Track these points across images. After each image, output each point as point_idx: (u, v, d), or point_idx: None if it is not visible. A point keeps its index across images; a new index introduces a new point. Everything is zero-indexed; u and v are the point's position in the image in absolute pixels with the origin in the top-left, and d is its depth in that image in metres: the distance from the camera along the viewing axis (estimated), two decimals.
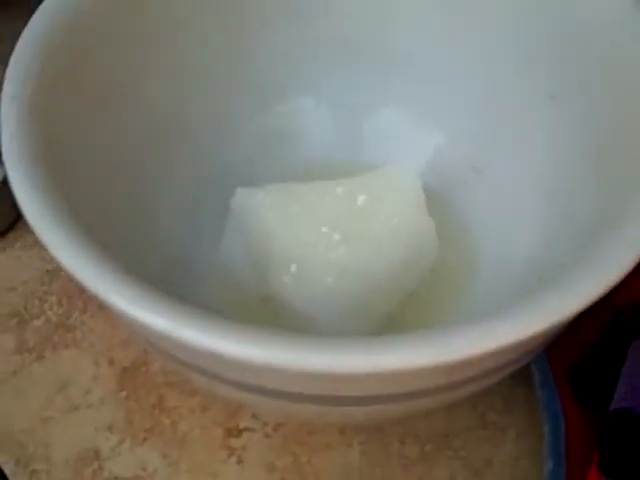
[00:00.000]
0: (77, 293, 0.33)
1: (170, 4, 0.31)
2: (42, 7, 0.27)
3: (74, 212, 0.23)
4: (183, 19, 0.32)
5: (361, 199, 0.30)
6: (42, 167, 0.23)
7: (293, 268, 0.29)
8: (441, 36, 0.33)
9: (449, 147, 0.34)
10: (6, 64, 0.25)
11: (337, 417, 0.25)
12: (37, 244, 0.23)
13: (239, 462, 0.29)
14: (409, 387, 0.21)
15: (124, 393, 0.30)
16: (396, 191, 0.31)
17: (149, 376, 0.31)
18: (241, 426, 0.29)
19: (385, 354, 0.18)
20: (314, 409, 0.22)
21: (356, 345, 0.18)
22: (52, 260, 0.21)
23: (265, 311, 0.30)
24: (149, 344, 0.23)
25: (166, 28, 0.31)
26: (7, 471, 0.29)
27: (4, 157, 0.23)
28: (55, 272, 0.34)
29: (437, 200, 0.32)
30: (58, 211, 0.22)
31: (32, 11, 0.27)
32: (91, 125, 0.28)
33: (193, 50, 0.32)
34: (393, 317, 0.30)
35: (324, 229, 0.30)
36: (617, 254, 0.20)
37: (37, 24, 0.26)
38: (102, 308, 0.32)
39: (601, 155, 0.27)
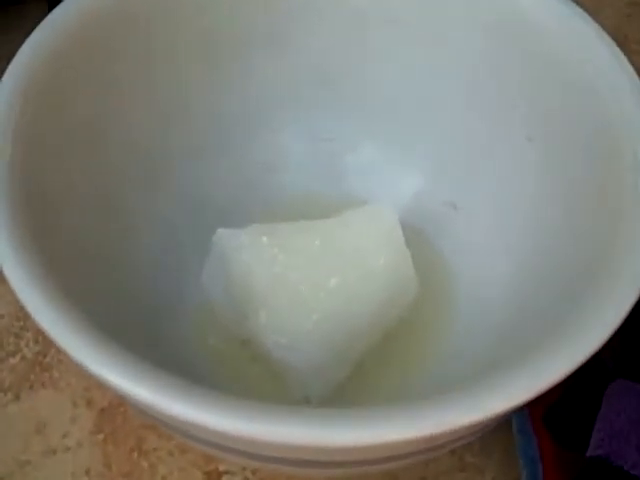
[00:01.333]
0: None
1: (151, 39, 0.31)
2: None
3: (52, 267, 0.23)
4: (164, 53, 0.31)
5: (341, 239, 0.30)
6: (18, 218, 0.23)
7: (272, 312, 0.29)
8: (424, 78, 0.33)
9: (429, 185, 0.34)
10: None
11: (318, 475, 0.25)
12: None
13: None
14: (390, 453, 0.21)
15: (102, 436, 0.30)
16: (375, 230, 0.31)
17: (127, 417, 0.31)
18: (220, 469, 0.29)
19: (367, 429, 0.18)
20: (294, 470, 0.22)
21: (337, 420, 0.18)
22: None
23: (244, 354, 0.30)
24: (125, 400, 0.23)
25: (147, 62, 0.31)
26: None
27: None
28: None
29: (416, 237, 0.33)
30: (35, 270, 0.22)
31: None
32: (71, 167, 0.27)
33: (175, 84, 0.32)
34: (371, 357, 0.30)
35: (304, 271, 0.30)
36: (591, 331, 0.21)
37: (17, 68, 0.26)
38: None
39: (579, 207, 0.27)
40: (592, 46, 0.28)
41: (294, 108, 0.34)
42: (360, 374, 0.30)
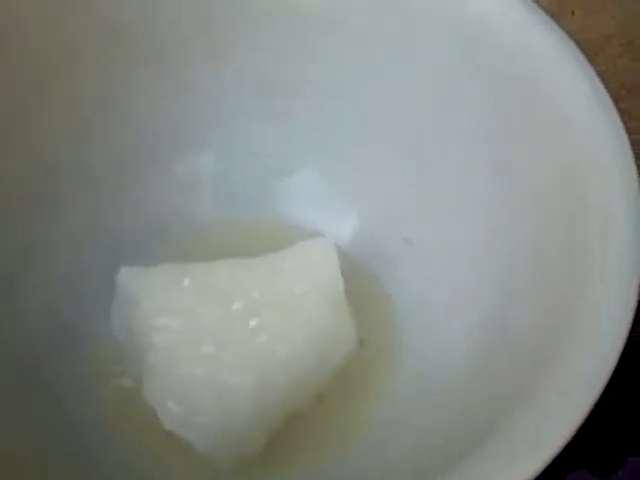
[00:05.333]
0: None
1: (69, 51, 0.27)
2: None
3: None
4: (83, 62, 0.27)
5: (264, 284, 0.26)
6: None
7: (167, 371, 0.24)
8: (379, 96, 0.28)
9: (380, 216, 0.29)
10: None
11: None
12: None
13: None
14: None
15: None
16: (308, 275, 0.26)
17: None
18: None
19: None
20: None
21: None
22: None
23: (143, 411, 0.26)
24: None
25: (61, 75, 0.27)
26: None
27: None
28: None
29: (360, 278, 0.28)
30: None
31: None
32: None
33: (96, 94, 0.28)
34: (298, 422, 0.26)
35: (216, 323, 0.25)
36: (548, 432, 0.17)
37: None
38: None
39: (545, 260, 0.23)
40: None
41: (225, 121, 0.29)
42: (284, 441, 0.26)
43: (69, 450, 0.24)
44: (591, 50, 0.24)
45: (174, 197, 0.29)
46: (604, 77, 0.23)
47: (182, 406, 0.24)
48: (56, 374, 0.26)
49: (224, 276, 0.26)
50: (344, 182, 0.29)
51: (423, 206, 0.28)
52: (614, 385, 0.18)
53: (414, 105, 0.27)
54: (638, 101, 0.33)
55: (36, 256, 0.27)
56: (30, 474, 0.22)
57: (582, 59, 0.23)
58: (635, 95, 0.33)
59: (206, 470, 0.25)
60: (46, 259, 0.27)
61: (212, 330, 0.25)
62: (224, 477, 0.25)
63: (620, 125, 0.22)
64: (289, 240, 0.27)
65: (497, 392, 0.21)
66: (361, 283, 0.28)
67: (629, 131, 0.22)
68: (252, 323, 0.25)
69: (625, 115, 0.23)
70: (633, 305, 0.19)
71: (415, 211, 0.28)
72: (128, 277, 0.26)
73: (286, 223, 0.29)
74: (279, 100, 0.29)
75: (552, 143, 0.23)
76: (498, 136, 0.25)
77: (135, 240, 0.28)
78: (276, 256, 0.27)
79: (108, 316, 0.27)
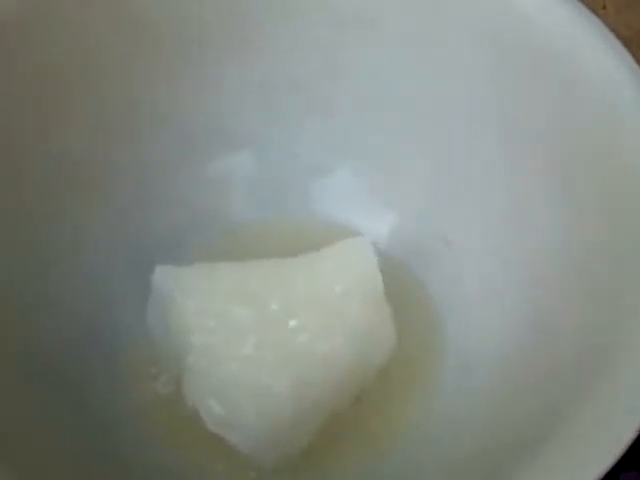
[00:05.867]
0: None
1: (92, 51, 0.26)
2: None
3: None
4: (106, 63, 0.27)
5: (303, 284, 0.25)
6: None
7: (207, 372, 0.24)
8: (415, 92, 0.27)
9: (417, 214, 0.29)
10: None
11: None
12: None
13: None
14: None
15: None
16: (348, 273, 0.26)
17: None
18: None
19: None
20: None
21: None
22: None
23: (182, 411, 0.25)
24: None
25: (88, 75, 0.26)
26: None
27: None
28: None
29: (399, 277, 0.28)
30: None
31: None
32: None
33: (121, 94, 0.27)
34: (338, 422, 0.25)
35: (255, 324, 0.25)
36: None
37: None
38: None
39: (594, 260, 0.22)
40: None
41: (256, 122, 0.29)
42: (326, 440, 0.25)
43: (106, 451, 0.24)
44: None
45: (207, 196, 0.29)
46: None
47: (223, 406, 0.23)
48: (92, 376, 0.26)
49: (261, 276, 0.26)
50: (381, 181, 0.29)
51: (462, 205, 0.27)
52: None
53: (452, 101, 0.27)
54: None
55: (66, 256, 0.27)
56: (65, 474, 0.22)
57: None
58: None
59: (248, 471, 0.24)
60: (76, 259, 0.27)
61: (250, 330, 0.24)
62: (267, 478, 0.24)
63: None
64: (326, 240, 0.27)
65: (548, 387, 0.21)
66: (399, 282, 0.27)
67: None
68: (291, 323, 0.25)
69: None
70: None
71: (453, 210, 0.28)
72: (164, 276, 0.25)
73: (323, 223, 0.29)
74: (314, 98, 0.29)
75: (601, 142, 0.22)
76: (545, 136, 0.24)
77: (167, 240, 0.28)
78: (314, 256, 0.26)
79: (141, 316, 0.27)
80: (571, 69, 0.23)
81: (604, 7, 0.35)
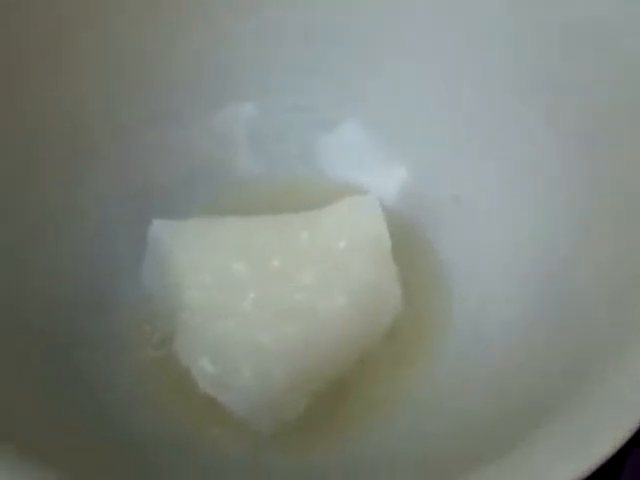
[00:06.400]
0: None
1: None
2: None
3: None
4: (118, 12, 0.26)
5: (306, 241, 0.24)
6: None
7: (203, 330, 0.23)
8: (428, 46, 0.26)
9: (427, 171, 0.27)
10: None
11: None
12: None
13: None
14: None
15: None
16: (353, 232, 0.25)
17: None
18: None
19: None
20: None
21: None
22: None
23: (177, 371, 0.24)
24: None
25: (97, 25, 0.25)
26: None
27: None
28: None
29: (407, 236, 0.26)
30: None
31: None
32: None
33: (126, 39, 0.26)
34: (339, 385, 0.24)
35: (257, 279, 0.23)
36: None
37: None
38: None
39: (613, 225, 0.21)
40: None
41: (262, 70, 0.27)
42: (326, 406, 0.24)
43: (98, 414, 0.23)
44: None
45: (209, 150, 0.28)
46: None
47: (217, 365, 0.22)
48: (85, 337, 0.25)
49: (262, 231, 0.24)
50: (389, 137, 0.28)
51: (473, 163, 0.26)
52: None
53: (467, 56, 0.25)
54: None
55: (66, 209, 0.26)
56: (56, 436, 0.21)
57: None
58: None
59: (245, 435, 0.23)
60: (75, 212, 0.26)
61: (249, 287, 0.23)
62: (263, 442, 0.23)
63: None
64: (332, 197, 0.26)
65: (560, 357, 0.20)
66: (406, 241, 0.26)
67: None
68: (292, 280, 0.24)
69: None
70: None
71: (464, 167, 0.26)
72: (161, 230, 0.24)
73: (329, 179, 0.28)
74: (320, 50, 0.27)
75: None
76: (565, 89, 0.23)
77: (166, 194, 0.27)
78: (319, 212, 0.25)
79: (139, 274, 0.26)
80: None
81: None
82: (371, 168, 0.28)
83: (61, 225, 0.25)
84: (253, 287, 0.23)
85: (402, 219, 0.27)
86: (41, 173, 0.25)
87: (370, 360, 0.24)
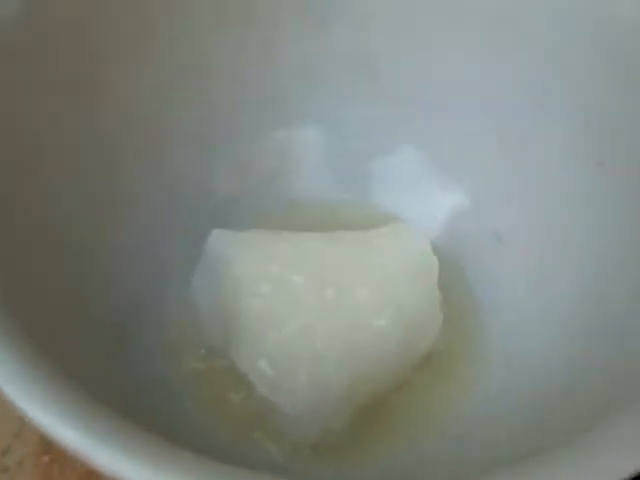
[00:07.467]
0: None
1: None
2: None
3: None
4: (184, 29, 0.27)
5: (359, 259, 0.25)
6: None
7: (260, 336, 0.24)
8: (481, 78, 0.27)
9: (472, 207, 0.28)
10: None
11: None
12: None
13: None
14: None
15: (48, 457, 0.25)
16: (402, 254, 0.26)
17: None
18: None
19: None
20: None
21: None
22: None
23: (229, 382, 0.25)
24: None
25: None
26: None
27: None
28: None
29: (446, 268, 0.27)
30: None
31: None
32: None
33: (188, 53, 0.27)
34: (374, 410, 0.25)
35: (309, 294, 0.24)
36: None
37: None
38: None
39: None
40: None
41: (322, 97, 0.29)
42: (364, 422, 0.25)
43: (145, 418, 0.23)
44: None
45: (268, 168, 0.29)
46: None
47: (275, 369, 0.23)
48: (135, 340, 0.25)
49: (318, 247, 0.25)
50: (440, 167, 0.29)
51: (517, 201, 0.27)
52: None
53: (521, 90, 0.27)
54: None
55: (120, 215, 0.26)
56: None
57: None
58: None
59: (286, 444, 0.24)
60: (130, 218, 0.27)
61: (304, 298, 0.24)
62: (303, 452, 0.24)
63: None
64: (380, 222, 0.27)
65: (598, 388, 0.21)
66: (446, 271, 0.27)
67: None
68: (346, 295, 0.24)
69: None
70: None
71: (508, 206, 0.28)
72: (220, 240, 0.25)
73: (376, 208, 0.29)
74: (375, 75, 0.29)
75: None
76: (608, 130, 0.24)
77: (223, 206, 0.28)
78: (371, 233, 0.26)
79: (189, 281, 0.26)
80: None
81: None
82: (420, 197, 0.29)
83: (124, 228, 0.26)
84: (308, 299, 0.24)
85: (442, 251, 0.28)
86: (107, 175, 0.26)
87: (411, 382, 0.25)
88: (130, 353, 0.25)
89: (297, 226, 0.27)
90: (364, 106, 0.29)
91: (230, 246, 0.25)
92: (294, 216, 0.29)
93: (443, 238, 0.28)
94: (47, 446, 0.26)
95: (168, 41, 0.27)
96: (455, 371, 0.26)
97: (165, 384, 0.25)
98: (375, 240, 0.26)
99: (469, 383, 0.25)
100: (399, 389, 0.25)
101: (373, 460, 0.24)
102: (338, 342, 0.23)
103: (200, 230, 0.26)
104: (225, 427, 0.25)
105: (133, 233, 0.26)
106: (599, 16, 0.24)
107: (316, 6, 0.27)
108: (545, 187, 0.27)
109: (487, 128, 0.28)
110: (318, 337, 0.23)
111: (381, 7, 0.28)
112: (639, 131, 0.24)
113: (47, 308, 0.21)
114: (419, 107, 0.28)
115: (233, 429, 0.24)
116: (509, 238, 0.27)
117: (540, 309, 0.26)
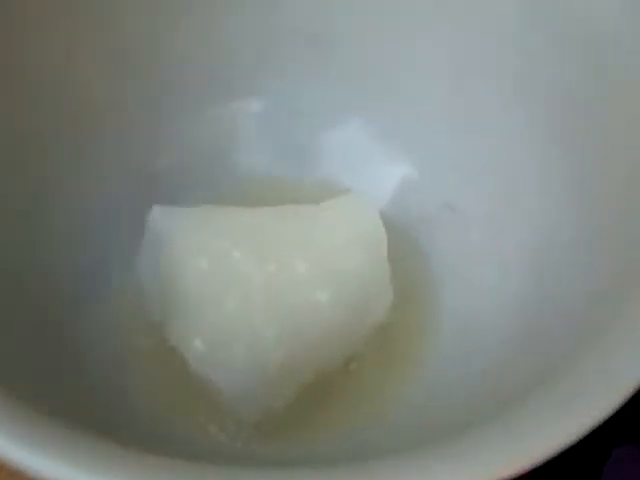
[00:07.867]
0: None
1: None
2: None
3: None
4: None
5: (306, 232, 0.25)
6: None
7: (199, 312, 0.23)
8: (431, 51, 0.27)
9: (420, 177, 0.28)
10: None
11: None
12: None
13: None
14: None
15: None
16: (350, 225, 0.25)
17: None
18: None
19: None
20: None
21: None
22: None
23: (174, 360, 0.24)
24: None
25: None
26: None
27: None
28: None
29: (398, 240, 0.27)
30: None
31: None
32: None
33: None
34: (320, 387, 0.24)
35: (252, 267, 0.24)
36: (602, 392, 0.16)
37: None
38: None
39: (604, 227, 0.21)
40: None
41: (269, 73, 0.28)
42: (312, 400, 0.24)
43: (87, 399, 0.23)
44: None
45: (213, 143, 0.28)
46: None
47: (211, 346, 0.22)
48: (77, 317, 0.25)
49: (263, 222, 0.25)
50: (388, 140, 0.28)
51: (470, 171, 0.27)
52: None
53: (473, 64, 0.26)
54: None
55: (62, 193, 0.26)
56: None
57: None
58: None
59: (228, 423, 0.23)
60: (73, 196, 0.26)
61: (245, 275, 0.23)
62: (247, 431, 0.23)
63: None
64: (329, 196, 0.26)
65: (546, 352, 0.20)
66: (398, 243, 0.26)
67: None
68: (289, 270, 0.24)
69: None
70: None
71: (461, 175, 0.27)
72: (161, 216, 0.24)
73: (326, 179, 0.28)
74: (324, 51, 0.28)
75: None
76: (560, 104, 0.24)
77: (167, 184, 0.27)
78: (318, 207, 0.25)
79: (133, 259, 0.26)
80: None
81: None
82: (366, 173, 0.28)
83: (67, 203, 0.26)
84: (250, 275, 0.23)
85: (393, 220, 0.27)
86: (49, 151, 0.25)
87: (358, 357, 0.25)
88: (72, 334, 0.24)
89: (244, 202, 0.26)
90: (312, 81, 0.28)
91: (170, 222, 0.24)
92: (241, 192, 0.28)
93: (394, 210, 0.27)
94: None
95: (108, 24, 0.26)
96: (408, 343, 0.25)
97: (106, 364, 0.24)
98: (323, 213, 0.25)
99: (422, 354, 0.25)
100: (348, 364, 0.25)
101: (318, 438, 0.23)
102: (277, 318, 0.23)
103: (145, 210, 0.25)
104: (166, 407, 0.24)
105: (74, 217, 0.26)
106: None
107: None
108: (497, 157, 0.26)
109: (436, 101, 0.27)
110: (256, 313, 0.23)
111: None
112: (589, 101, 0.23)
113: None
114: (367, 81, 0.28)
115: (174, 409, 0.24)
116: (461, 208, 0.27)
117: (492, 279, 0.25)
